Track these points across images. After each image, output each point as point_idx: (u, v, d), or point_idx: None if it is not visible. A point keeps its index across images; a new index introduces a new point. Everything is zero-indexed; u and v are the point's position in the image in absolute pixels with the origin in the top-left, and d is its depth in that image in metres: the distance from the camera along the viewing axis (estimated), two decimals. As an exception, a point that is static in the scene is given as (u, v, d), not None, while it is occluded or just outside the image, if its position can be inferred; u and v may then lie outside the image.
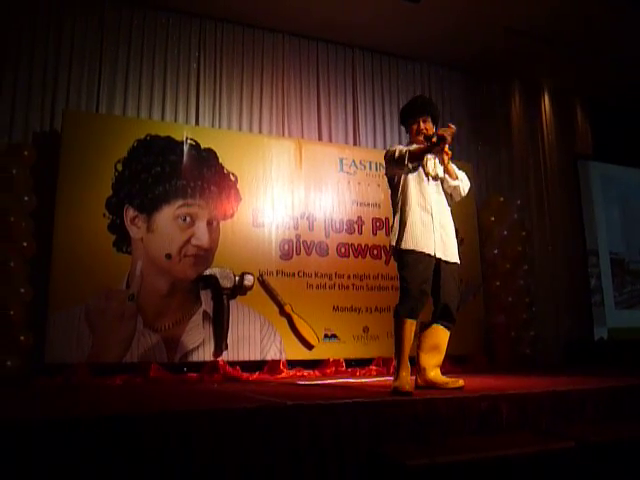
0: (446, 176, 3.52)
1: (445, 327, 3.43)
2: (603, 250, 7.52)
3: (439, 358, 3.42)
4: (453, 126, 3.34)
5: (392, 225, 3.51)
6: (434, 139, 3.35)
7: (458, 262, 3.49)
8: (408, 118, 3.63)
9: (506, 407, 2.79)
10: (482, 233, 6.63)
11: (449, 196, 3.57)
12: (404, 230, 3.37)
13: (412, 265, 3.32)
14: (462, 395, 2.87)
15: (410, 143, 3.61)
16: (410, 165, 3.39)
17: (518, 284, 6.55)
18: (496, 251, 6.53)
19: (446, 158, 3.47)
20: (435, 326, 3.43)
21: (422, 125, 3.53)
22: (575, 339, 6.90)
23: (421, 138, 3.50)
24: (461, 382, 3.24)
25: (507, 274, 6.51)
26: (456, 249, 3.49)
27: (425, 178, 3.46)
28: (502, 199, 6.75)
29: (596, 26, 6.26)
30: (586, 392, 3.08)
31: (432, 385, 3.31)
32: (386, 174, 3.62)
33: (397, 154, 3.39)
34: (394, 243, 3.40)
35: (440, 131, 3.37)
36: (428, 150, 3.38)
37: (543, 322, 6.82)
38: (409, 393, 2.97)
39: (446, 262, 3.41)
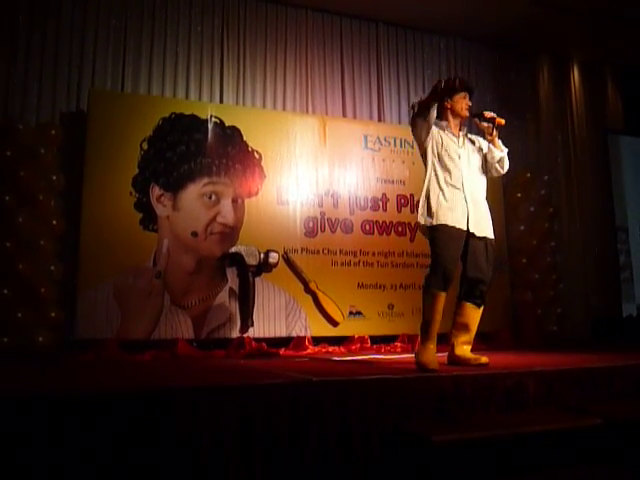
0: (491, 147, 3.51)
1: (475, 304, 3.41)
2: (633, 226, 7.38)
3: (468, 336, 3.42)
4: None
5: (420, 201, 3.46)
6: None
7: (491, 237, 3.48)
8: (453, 91, 3.45)
9: (532, 384, 2.78)
10: (508, 209, 6.54)
11: (491, 169, 3.59)
12: (433, 206, 3.35)
13: (444, 239, 3.30)
14: (488, 372, 2.86)
15: (442, 120, 3.52)
16: (427, 115, 3.28)
17: (545, 261, 6.47)
18: (523, 227, 6.45)
19: (496, 133, 3.49)
20: (464, 304, 3.41)
21: (468, 101, 3.51)
22: (603, 316, 6.81)
23: (466, 113, 3.50)
24: (485, 359, 3.23)
25: (534, 251, 6.44)
26: (490, 224, 3.49)
27: (456, 156, 3.43)
28: (529, 174, 6.64)
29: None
30: (614, 369, 3.05)
31: (457, 361, 3.31)
32: (416, 142, 3.53)
33: (416, 108, 3.33)
34: (423, 220, 3.38)
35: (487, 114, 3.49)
36: (433, 97, 3.27)
37: (571, 299, 6.75)
38: (434, 371, 2.97)
39: (478, 237, 3.40)
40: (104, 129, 5.05)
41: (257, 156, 5.51)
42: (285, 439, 2.23)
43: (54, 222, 4.81)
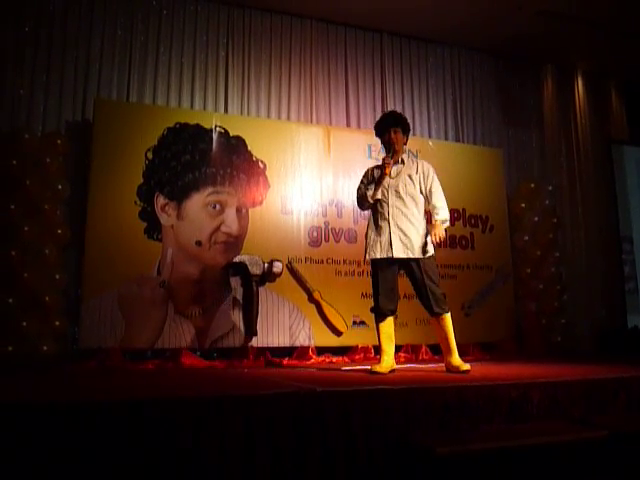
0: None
1: (437, 314, 3.68)
2: (637, 236, 7.36)
3: (447, 344, 3.70)
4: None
5: None
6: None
7: (425, 256, 3.68)
8: (381, 129, 3.88)
9: (537, 395, 2.76)
10: (513, 220, 6.55)
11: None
12: (368, 243, 3.79)
13: (376, 273, 3.77)
14: (492, 383, 2.85)
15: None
16: (371, 201, 3.78)
17: (549, 271, 6.46)
18: (527, 238, 6.45)
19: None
20: (431, 319, 3.77)
21: (392, 135, 3.80)
22: (608, 327, 6.78)
23: (388, 149, 3.85)
24: (466, 366, 3.56)
25: (538, 261, 6.43)
26: (423, 244, 3.69)
27: (386, 189, 3.75)
28: (533, 185, 6.64)
29: (632, 5, 6.07)
30: (619, 381, 3.04)
31: (449, 369, 3.66)
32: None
33: (357, 201, 3.96)
34: (366, 256, 3.81)
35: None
36: (377, 186, 3.77)
37: (575, 310, 6.72)
38: (380, 373, 3.59)
39: (412, 259, 3.67)
40: (109, 138, 5.08)
41: (261, 166, 5.53)
42: (288, 449, 2.22)
43: (59, 231, 4.83)
